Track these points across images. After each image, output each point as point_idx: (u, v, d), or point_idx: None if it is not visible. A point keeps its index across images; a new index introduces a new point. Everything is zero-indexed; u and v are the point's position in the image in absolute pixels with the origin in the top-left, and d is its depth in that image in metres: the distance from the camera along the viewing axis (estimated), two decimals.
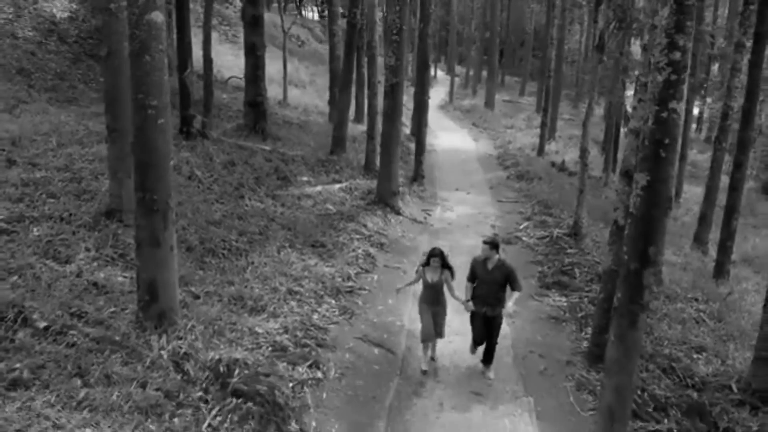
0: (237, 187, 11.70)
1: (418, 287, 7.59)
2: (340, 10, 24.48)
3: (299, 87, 26.74)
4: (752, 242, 16.73)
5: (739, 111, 12.32)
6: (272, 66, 22.79)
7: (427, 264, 7.25)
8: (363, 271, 9.86)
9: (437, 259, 7.16)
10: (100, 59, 20.24)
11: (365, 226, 11.75)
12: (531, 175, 18.56)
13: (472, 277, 7.28)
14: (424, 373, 7.23)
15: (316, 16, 54.48)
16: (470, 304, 7.19)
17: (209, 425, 5.26)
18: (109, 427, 4.92)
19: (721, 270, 12.27)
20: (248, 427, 5.42)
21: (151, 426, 5.05)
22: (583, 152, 12.21)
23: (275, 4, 29.31)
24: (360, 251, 10.43)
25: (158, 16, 5.78)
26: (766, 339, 7.45)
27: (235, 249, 9.07)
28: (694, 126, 34.66)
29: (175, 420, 5.20)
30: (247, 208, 10.92)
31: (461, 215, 14.45)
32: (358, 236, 11.12)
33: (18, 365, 5.34)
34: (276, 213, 11.03)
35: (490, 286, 7.10)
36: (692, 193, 21.24)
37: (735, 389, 7.51)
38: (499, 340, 7.52)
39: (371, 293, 9.25)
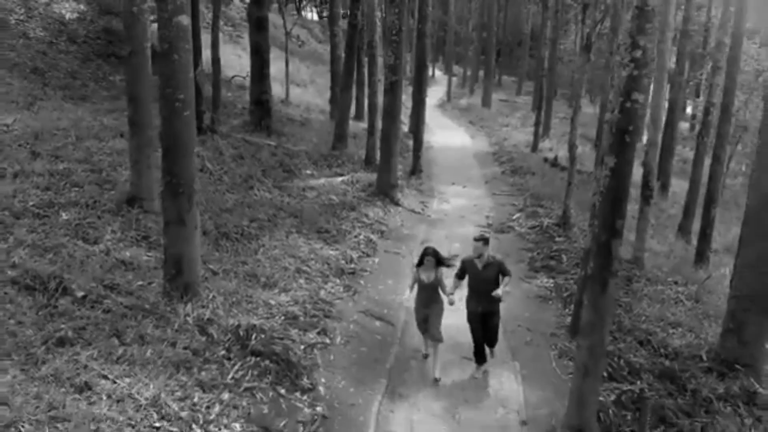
0: (246, 179, 12.44)
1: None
2: (341, 11, 25.19)
3: (300, 86, 27.46)
4: (734, 233, 17.47)
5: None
6: (274, 65, 23.47)
7: (420, 264, 7.21)
8: (365, 255, 10.61)
9: (431, 257, 7.10)
10: (108, 58, 21.03)
11: (366, 215, 12.50)
12: (525, 170, 19.31)
13: (461, 274, 7.33)
14: (425, 357, 7.52)
15: (315, 17, 55.23)
16: (453, 297, 7.12)
17: (233, 378, 6.01)
18: (146, 377, 5.67)
19: (701, 257, 13.04)
20: (266, 381, 6.18)
21: (182, 377, 5.81)
22: (571, 147, 12.95)
23: (275, 5, 29.97)
24: (362, 237, 11.17)
25: (185, 19, 6.52)
26: (733, 314, 8.20)
27: (247, 233, 9.81)
28: (687, 125, 35.42)
29: (203, 373, 5.96)
30: (255, 197, 11.67)
31: (457, 207, 15.20)
32: (359, 224, 11.87)
33: (63, 326, 6.10)
34: (283, 202, 11.78)
35: (484, 285, 7.09)
36: (681, 187, 21.96)
37: (705, 358, 8.26)
38: None
39: (372, 274, 10.00)
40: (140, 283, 7.35)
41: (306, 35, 43.66)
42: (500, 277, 7.22)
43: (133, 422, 5.07)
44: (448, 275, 7.45)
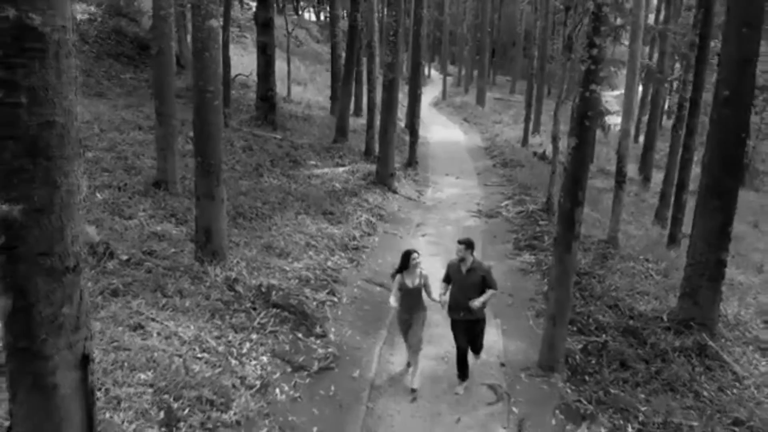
0: (256, 167, 13.60)
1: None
2: (342, 12, 26.30)
3: (301, 84, 28.59)
4: None
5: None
6: (275, 64, 24.70)
7: (404, 268, 6.81)
8: (366, 234, 11.77)
9: (416, 255, 6.85)
10: (118, 57, 22.09)
11: (366, 200, 13.67)
12: (514, 163, 20.51)
13: (447, 279, 7.02)
14: (409, 365, 7.18)
15: (313, 17, 56.34)
16: (445, 298, 6.89)
17: (258, 323, 7.18)
18: (187, 321, 6.82)
19: (673, 239, 14.21)
20: (286, 327, 7.35)
21: (217, 321, 6.97)
22: (554, 139, 14.11)
23: (274, 5, 31.05)
24: (363, 219, 12.33)
25: (215, 23, 7.67)
26: (689, 279, 9.37)
27: (261, 213, 10.97)
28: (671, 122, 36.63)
29: (234, 319, 7.12)
30: (266, 183, 12.82)
31: (450, 195, 16.38)
32: (360, 208, 13.04)
33: (114, 281, 7.25)
34: (291, 188, 12.94)
35: (467, 290, 6.72)
36: (661, 179, 23.17)
37: (665, 319, 9.41)
38: None
39: (373, 251, 11.17)
40: (173, 250, 8.51)
41: (304, 35, 44.84)
42: (485, 283, 6.80)
43: (179, 353, 6.22)
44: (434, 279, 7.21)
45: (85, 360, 3.04)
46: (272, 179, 13.24)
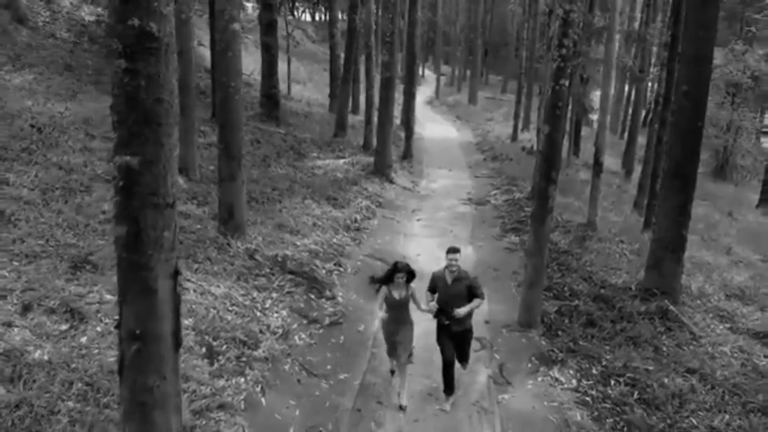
0: (264, 159, 14.74)
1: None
2: (339, 14, 27.45)
3: (300, 83, 29.73)
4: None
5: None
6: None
7: (389, 281, 6.48)
8: (366, 217, 12.94)
9: (403, 274, 6.42)
10: None
11: (366, 189, 14.83)
12: (503, 157, 21.75)
13: (433, 289, 6.79)
14: (393, 373, 7.00)
15: (308, 18, 57.49)
16: (433, 304, 6.67)
17: (277, 285, 8.33)
18: (217, 282, 7.96)
19: (648, 223, 15.40)
20: (300, 290, 8.51)
21: (242, 283, 8.13)
22: (538, 132, 15.27)
23: (277, 7, 32.12)
24: (363, 205, 13.50)
25: (237, 26, 8.80)
26: (654, 253, 10.57)
27: (271, 198, 12.12)
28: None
29: (256, 281, 8.28)
30: (273, 173, 13.97)
31: (443, 186, 17.58)
32: (360, 195, 14.21)
33: None
34: (296, 177, 14.09)
35: (453, 300, 6.52)
36: None
37: (633, 289, 10.60)
38: (463, 261, 10.49)
39: (373, 232, 12.34)
40: (198, 227, 9.64)
41: (300, 36, 46.00)
42: (471, 293, 6.64)
43: (213, 306, 7.36)
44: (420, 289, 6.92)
45: (176, 273, 4.18)
46: (279, 169, 14.38)
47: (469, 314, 6.65)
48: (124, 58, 3.69)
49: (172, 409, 4.31)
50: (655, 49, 25.48)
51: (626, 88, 34.08)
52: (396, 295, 6.44)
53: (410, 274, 6.44)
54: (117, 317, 4.18)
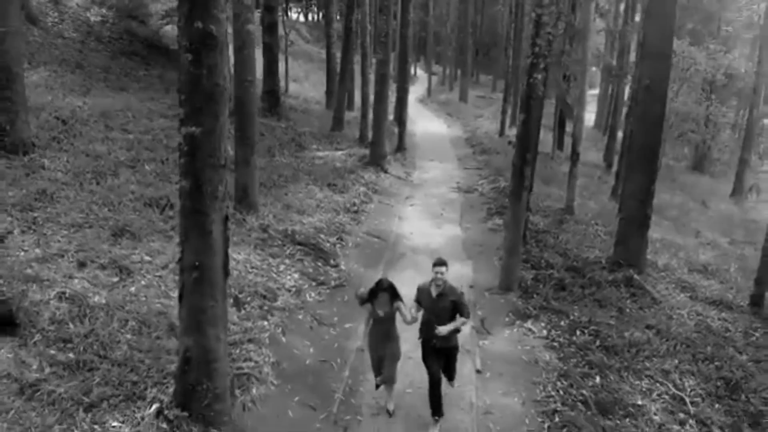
0: (268, 149, 15.94)
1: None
2: (335, 15, 28.64)
3: (297, 81, 30.91)
4: (662, 198, 21.34)
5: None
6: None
7: (373, 298, 6.32)
8: (364, 202, 14.17)
9: (386, 294, 6.27)
10: (131, 56, 24.18)
11: (363, 177, 16.06)
12: (491, 150, 23.03)
13: (419, 301, 6.44)
14: (378, 387, 6.78)
15: (302, 18, 58.67)
16: (417, 315, 6.42)
17: (289, 253, 9.55)
18: (238, 249, 9.16)
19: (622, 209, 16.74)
20: (309, 258, 9.73)
21: (259, 251, 9.34)
22: None
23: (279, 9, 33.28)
24: (361, 191, 14.73)
25: (252, 26, 10.00)
26: (621, 229, 11.81)
27: (277, 184, 13.32)
28: None
29: (270, 250, 9.48)
30: (278, 162, 15.17)
31: (434, 176, 18.85)
32: (358, 183, 15.43)
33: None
34: (299, 166, 15.31)
35: (438, 316, 6.25)
36: None
37: (603, 262, 11.86)
38: (452, 239, 11.86)
39: (370, 214, 13.57)
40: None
41: (294, 36, 47.22)
42: (457, 310, 6.29)
43: (236, 269, 8.56)
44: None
45: (226, 218, 5.40)
46: (283, 159, 15.58)
47: (455, 331, 6.38)
48: (190, 52, 4.90)
49: (221, 326, 5.54)
50: (633, 46, 26.80)
51: (610, 86, 35.47)
52: (380, 312, 6.30)
53: (393, 295, 6.29)
54: (179, 254, 5.40)
